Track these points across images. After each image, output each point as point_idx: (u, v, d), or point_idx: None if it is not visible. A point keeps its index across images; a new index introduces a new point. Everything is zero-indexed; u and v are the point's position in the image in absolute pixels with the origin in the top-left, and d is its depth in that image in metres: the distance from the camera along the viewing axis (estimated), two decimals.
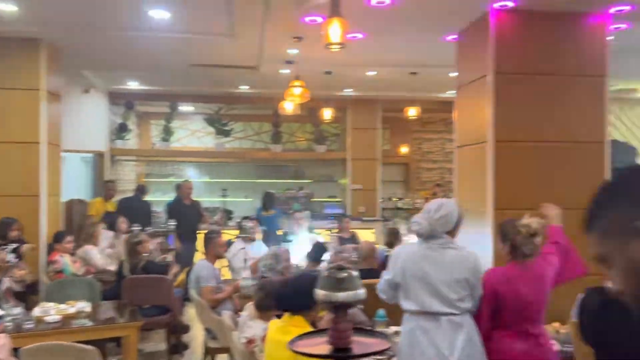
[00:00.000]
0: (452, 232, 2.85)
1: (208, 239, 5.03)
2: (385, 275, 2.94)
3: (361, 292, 0.95)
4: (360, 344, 0.96)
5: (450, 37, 4.93)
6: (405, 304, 2.81)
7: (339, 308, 0.93)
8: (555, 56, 4.22)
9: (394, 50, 5.88)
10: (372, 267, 4.60)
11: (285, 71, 6.46)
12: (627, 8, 4.10)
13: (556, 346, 3.19)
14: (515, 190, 4.16)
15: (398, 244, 4.96)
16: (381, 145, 9.69)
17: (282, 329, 2.51)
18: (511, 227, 3.00)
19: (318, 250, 5.03)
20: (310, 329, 2.59)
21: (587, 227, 0.97)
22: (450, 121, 10.06)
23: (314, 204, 9.72)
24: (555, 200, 4.17)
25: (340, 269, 0.95)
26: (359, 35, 4.97)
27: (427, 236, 2.81)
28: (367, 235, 8.30)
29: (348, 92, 8.69)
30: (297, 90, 5.75)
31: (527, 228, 2.97)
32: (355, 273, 0.97)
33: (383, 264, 4.60)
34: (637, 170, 0.98)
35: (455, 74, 5.09)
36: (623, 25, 4.60)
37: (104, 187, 7.91)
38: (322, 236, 7.04)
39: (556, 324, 3.52)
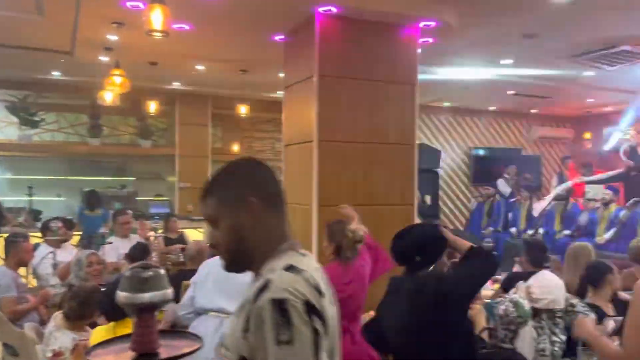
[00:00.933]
0: None
1: (10, 244, 4.42)
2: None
3: (169, 292, 0.89)
4: (168, 347, 0.89)
5: (277, 37, 5.01)
6: (199, 303, 2.79)
7: (144, 310, 0.86)
8: (373, 63, 4.53)
9: (223, 45, 5.80)
10: None
11: (105, 59, 5.97)
12: (433, 24, 4.57)
13: None
14: (336, 187, 4.37)
15: None
16: (212, 143, 9.52)
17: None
18: (339, 230, 3.13)
19: (139, 251, 4.73)
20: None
21: (207, 194, 1.33)
22: (278, 121, 10.28)
23: (138, 203, 9.16)
24: (371, 197, 4.51)
25: (146, 267, 0.88)
26: (186, 27, 4.79)
27: None
28: (196, 235, 8.09)
29: (176, 85, 8.37)
30: (118, 80, 5.35)
31: (354, 234, 3.17)
32: (162, 271, 0.90)
33: None
34: (249, 160, 1.39)
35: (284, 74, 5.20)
36: (429, 39, 5.12)
37: None
38: (147, 237, 6.65)
39: (372, 312, 3.78)
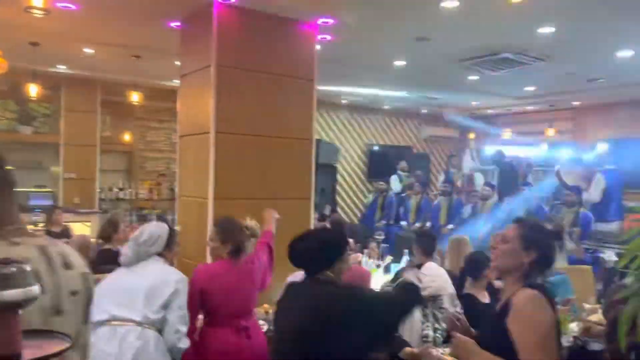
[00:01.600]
0: (164, 254, 2.79)
1: None
2: None
3: (35, 289, 0.83)
4: (33, 348, 0.83)
5: (173, 24, 4.84)
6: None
7: (6, 310, 0.79)
8: (272, 56, 4.53)
9: (113, 29, 5.48)
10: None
11: None
12: (331, 21, 4.65)
13: (266, 326, 3.46)
14: (234, 180, 4.33)
15: (116, 236, 4.64)
16: (101, 131, 9.00)
17: None
18: (233, 229, 3.09)
19: None
20: None
21: None
22: (175, 110, 9.94)
23: (16, 194, 8.41)
24: (269, 191, 4.52)
25: (6, 262, 0.81)
26: (72, 6, 4.47)
27: (136, 261, 2.74)
28: (82, 229, 7.63)
29: (62, 68, 7.78)
30: None
31: (252, 230, 3.25)
32: (27, 267, 0.83)
33: (100, 260, 4.27)
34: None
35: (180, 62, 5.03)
36: (327, 37, 5.21)
37: None
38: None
39: (266, 306, 3.80)
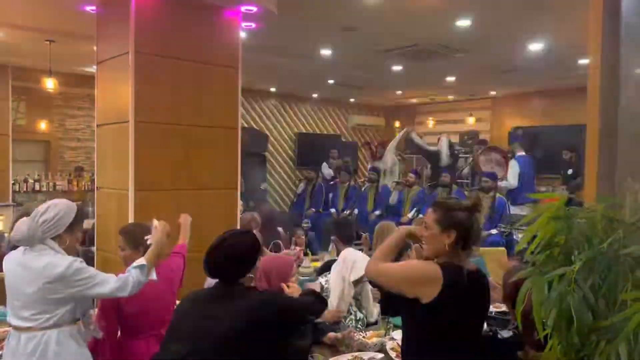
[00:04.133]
0: (62, 237, 2.47)
1: None
2: None
3: None
4: None
5: (89, 8, 4.61)
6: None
7: None
8: (194, 43, 4.42)
9: (23, 11, 5.16)
10: None
11: None
12: (255, 9, 4.61)
13: None
14: (156, 171, 4.21)
15: None
16: (13, 119, 8.46)
17: None
18: (141, 230, 2.90)
19: None
20: None
21: None
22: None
23: None
24: (193, 181, 4.45)
25: None
26: None
27: (28, 243, 2.40)
28: None
29: None
30: None
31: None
32: None
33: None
34: None
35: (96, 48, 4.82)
36: (252, 25, 5.16)
37: None
38: None
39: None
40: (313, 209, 9.45)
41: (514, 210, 7.32)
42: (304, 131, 11.83)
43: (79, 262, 2.41)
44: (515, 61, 7.34)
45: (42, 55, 6.99)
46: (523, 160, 7.91)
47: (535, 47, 6.53)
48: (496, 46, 6.60)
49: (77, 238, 2.58)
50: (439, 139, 9.71)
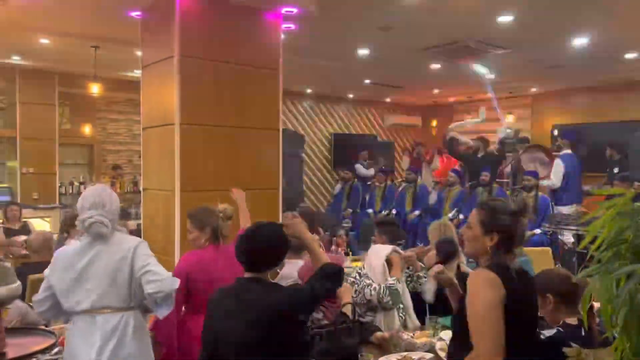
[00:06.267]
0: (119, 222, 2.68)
1: None
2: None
3: (15, 287, 0.81)
4: (17, 346, 0.82)
5: (134, 14, 4.73)
6: (66, 304, 2.46)
7: None
8: (237, 46, 4.48)
9: (71, 18, 5.33)
10: (48, 260, 4.09)
11: None
12: (295, 10, 4.64)
13: None
14: (200, 172, 4.28)
15: (73, 230, 4.49)
16: (60, 124, 8.74)
17: None
18: (207, 213, 3.11)
19: None
20: None
21: None
22: (136, 102, 9.72)
23: None
24: (236, 181, 4.48)
25: None
26: None
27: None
28: (42, 224, 7.43)
29: (16, 59, 7.51)
30: None
31: (224, 212, 3.24)
32: (7, 264, 0.82)
33: None
34: None
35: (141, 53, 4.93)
36: (291, 26, 5.20)
37: None
38: None
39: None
40: (350, 210, 9.43)
41: (558, 209, 7.14)
42: (339, 132, 11.82)
43: (145, 242, 2.56)
44: (559, 57, 7.16)
45: (86, 61, 7.20)
46: (568, 158, 7.69)
47: (580, 41, 6.35)
48: (539, 42, 6.45)
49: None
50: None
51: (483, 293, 1.96)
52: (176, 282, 2.50)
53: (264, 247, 2.24)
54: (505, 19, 5.40)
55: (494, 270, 2.00)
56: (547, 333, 2.43)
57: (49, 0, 4.60)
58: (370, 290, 3.33)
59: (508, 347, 2.01)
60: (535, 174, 7.06)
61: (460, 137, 9.33)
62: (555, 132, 9.67)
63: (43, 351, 0.77)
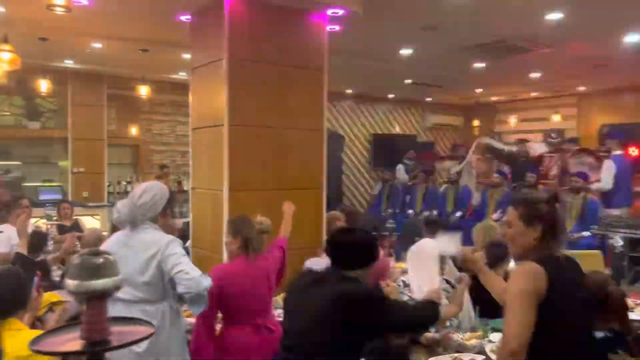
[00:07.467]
0: (158, 218, 2.67)
1: None
2: None
3: (120, 279, 0.87)
4: (119, 334, 0.88)
5: (184, 17, 4.85)
6: None
7: (95, 298, 0.83)
8: (283, 48, 4.53)
9: (123, 23, 5.50)
10: None
11: None
12: (341, 11, 4.67)
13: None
14: (247, 172, 4.36)
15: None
16: (107, 125, 9.04)
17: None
18: (243, 223, 3.12)
19: (37, 240, 4.43)
20: (29, 331, 2.26)
21: None
22: (180, 103, 9.95)
23: (26, 189, 8.47)
24: (281, 181, 4.56)
25: (96, 254, 0.85)
26: (84, 1, 4.48)
27: (130, 224, 2.61)
28: (92, 222, 7.69)
29: (68, 63, 7.81)
30: (6, 56, 4.89)
31: (261, 225, 3.27)
32: (112, 258, 0.88)
33: None
34: None
35: (188, 55, 5.05)
36: (336, 27, 5.23)
37: None
38: (40, 225, 6.21)
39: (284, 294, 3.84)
40: (390, 210, 9.40)
41: (607, 211, 6.94)
42: (379, 132, 11.78)
43: (177, 241, 2.61)
44: (609, 55, 6.95)
45: (134, 63, 7.42)
46: (619, 160, 7.45)
47: (632, 38, 6.16)
48: (589, 39, 6.28)
49: (169, 221, 2.76)
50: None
51: (517, 281, 1.96)
52: (207, 281, 2.55)
53: (357, 246, 2.30)
54: (555, 16, 5.29)
55: (542, 263, 1.96)
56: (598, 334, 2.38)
57: (106, 8, 4.76)
58: None
59: (558, 341, 1.95)
60: (584, 175, 6.88)
61: (495, 144, 9.15)
62: (608, 131, 9.36)
63: (142, 340, 0.83)
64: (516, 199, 2.19)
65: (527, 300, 1.90)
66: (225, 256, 4.08)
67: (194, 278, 2.49)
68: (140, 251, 2.56)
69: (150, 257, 2.54)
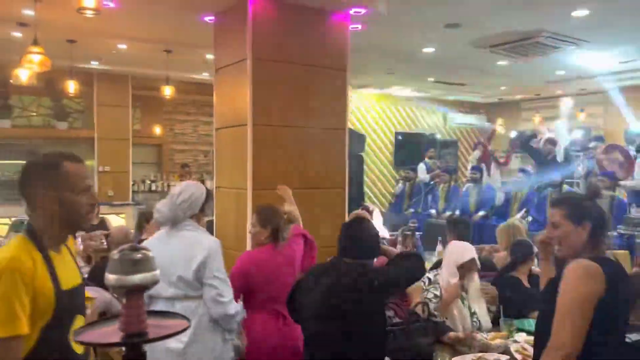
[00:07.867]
0: (198, 216, 2.74)
1: None
2: None
3: (157, 274, 0.90)
4: (156, 327, 0.91)
5: (207, 18, 4.91)
6: (153, 290, 2.66)
7: (133, 292, 0.86)
8: (306, 47, 4.56)
9: (148, 25, 5.59)
10: None
11: (18, 34, 5.57)
12: (363, 11, 4.67)
13: None
14: (270, 171, 4.39)
15: (148, 228, 4.72)
16: (132, 125, 9.19)
17: None
18: (272, 213, 3.17)
19: None
20: None
21: None
22: (202, 103, 10.07)
23: None
24: (304, 181, 4.58)
25: (135, 249, 0.88)
26: (111, 4, 4.57)
27: (171, 222, 2.68)
28: (117, 220, 7.83)
29: (94, 64, 7.96)
30: (36, 58, 5.01)
31: (289, 215, 3.33)
32: (150, 254, 0.91)
33: None
34: None
35: (212, 56, 5.10)
36: (358, 26, 5.23)
37: None
38: None
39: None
40: (412, 209, 9.36)
41: (634, 211, 6.80)
42: (401, 130, 11.74)
43: (219, 245, 2.68)
44: (636, 51, 6.81)
45: (158, 64, 7.52)
46: None
47: None
48: (615, 36, 6.17)
49: (202, 220, 2.83)
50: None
51: (578, 284, 1.88)
52: (236, 307, 2.66)
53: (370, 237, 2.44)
54: (581, 13, 5.21)
55: (598, 262, 1.91)
56: (633, 337, 2.35)
57: (130, 8, 4.84)
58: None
59: (597, 345, 1.89)
60: (611, 175, 6.76)
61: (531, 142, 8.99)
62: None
63: (178, 333, 0.85)
64: (558, 199, 2.16)
65: (588, 304, 1.85)
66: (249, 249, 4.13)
67: (225, 302, 2.59)
68: (182, 249, 2.63)
69: (194, 255, 2.60)
